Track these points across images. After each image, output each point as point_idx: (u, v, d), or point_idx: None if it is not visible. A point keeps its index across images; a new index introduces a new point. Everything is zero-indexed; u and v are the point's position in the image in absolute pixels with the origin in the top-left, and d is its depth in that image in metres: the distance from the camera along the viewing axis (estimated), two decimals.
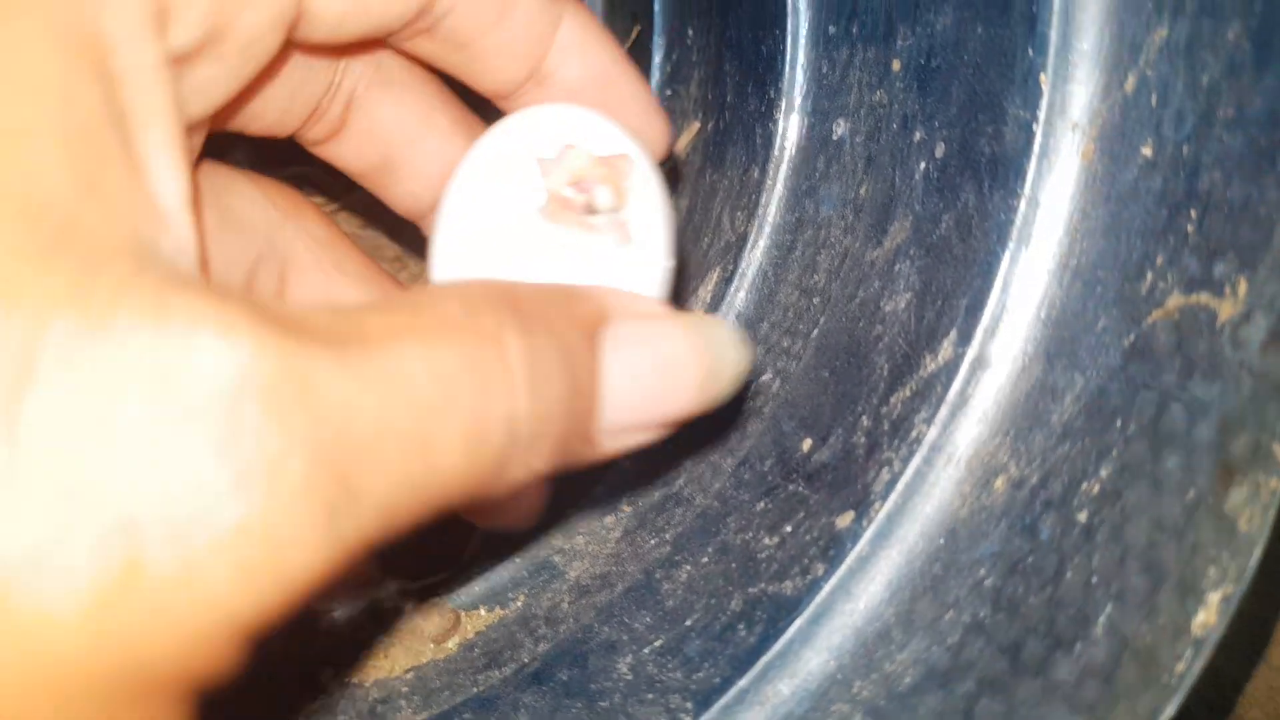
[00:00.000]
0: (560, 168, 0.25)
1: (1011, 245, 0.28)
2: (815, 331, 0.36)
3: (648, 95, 0.28)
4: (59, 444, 0.15)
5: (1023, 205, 0.28)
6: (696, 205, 0.46)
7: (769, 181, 0.40)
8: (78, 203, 0.16)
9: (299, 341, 0.17)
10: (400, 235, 0.52)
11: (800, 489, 0.33)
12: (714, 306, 0.42)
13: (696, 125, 0.49)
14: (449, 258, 0.25)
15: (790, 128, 0.39)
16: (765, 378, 0.38)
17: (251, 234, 0.28)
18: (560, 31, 0.26)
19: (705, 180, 0.46)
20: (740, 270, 0.41)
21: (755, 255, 0.40)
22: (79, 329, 0.15)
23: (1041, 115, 0.28)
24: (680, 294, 0.45)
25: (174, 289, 0.16)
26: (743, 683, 0.30)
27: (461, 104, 0.29)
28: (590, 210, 0.25)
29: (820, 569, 0.30)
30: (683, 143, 0.50)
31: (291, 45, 0.23)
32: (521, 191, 0.24)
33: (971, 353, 0.29)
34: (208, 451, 0.15)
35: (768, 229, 0.40)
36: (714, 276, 0.43)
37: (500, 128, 0.25)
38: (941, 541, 0.28)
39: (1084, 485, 0.26)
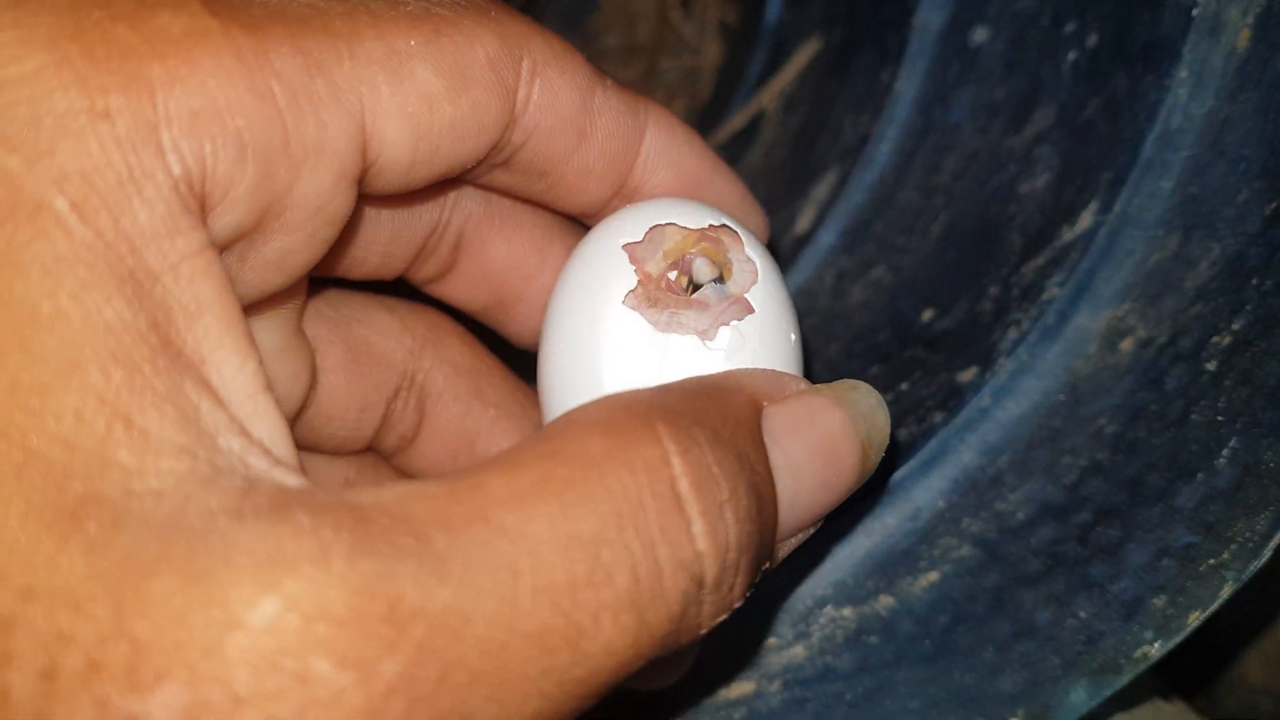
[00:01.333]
0: (651, 248, 0.23)
1: (1160, 124, 0.30)
2: (935, 226, 0.38)
3: (743, 190, 0.27)
4: None
5: (1175, 87, 0.30)
6: (814, 112, 0.48)
7: (898, 86, 0.42)
8: (109, 448, 0.15)
9: (381, 558, 0.15)
10: None
11: (918, 353, 0.34)
12: (828, 206, 0.43)
13: (815, 45, 0.51)
14: (556, 377, 0.23)
15: (925, 36, 0.41)
16: (876, 272, 0.40)
17: (387, 367, 0.26)
18: (645, 143, 0.24)
19: (825, 88, 0.47)
20: (858, 172, 0.43)
21: (876, 158, 0.42)
22: (111, 613, 0.14)
23: (1201, 1, 0.30)
24: (791, 197, 0.47)
25: (215, 527, 0.15)
26: (850, 515, 0.31)
27: (576, 231, 0.27)
28: (692, 287, 0.23)
29: (938, 417, 0.32)
30: (800, 62, 0.52)
31: (364, 200, 0.22)
32: (617, 284, 0.23)
33: (1110, 222, 0.30)
34: None
35: (891, 133, 0.42)
36: (829, 178, 0.44)
37: (591, 233, 0.24)
38: (1063, 398, 0.30)
39: (1214, 339, 0.28)
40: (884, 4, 0.43)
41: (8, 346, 0.15)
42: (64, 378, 0.15)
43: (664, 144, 0.25)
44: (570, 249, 0.27)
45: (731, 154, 0.56)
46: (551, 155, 0.23)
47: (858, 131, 0.43)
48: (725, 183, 0.26)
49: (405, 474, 0.29)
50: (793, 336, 0.23)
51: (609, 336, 0.22)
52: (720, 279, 0.23)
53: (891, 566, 0.30)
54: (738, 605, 0.19)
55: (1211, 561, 0.25)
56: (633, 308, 0.22)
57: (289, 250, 0.19)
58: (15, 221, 0.15)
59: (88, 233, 0.15)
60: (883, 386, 0.35)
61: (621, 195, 0.25)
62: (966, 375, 0.32)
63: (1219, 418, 0.26)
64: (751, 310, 0.23)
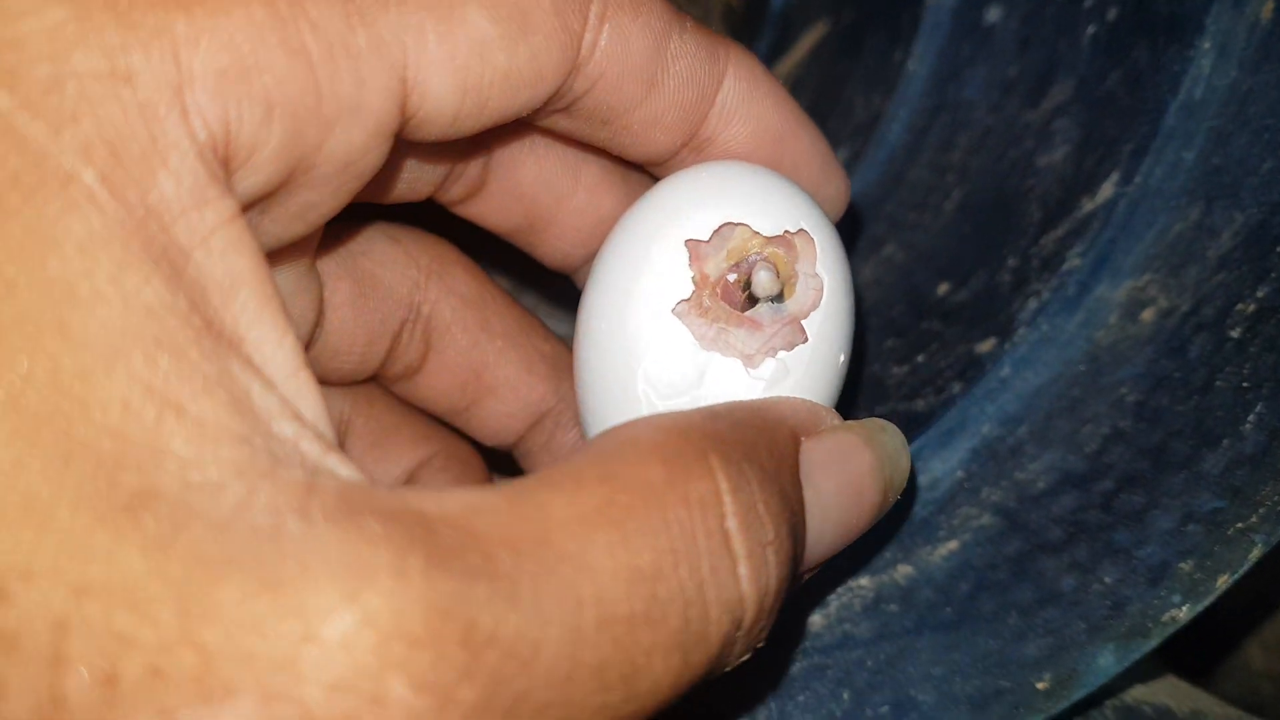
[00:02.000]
0: (715, 247, 0.22)
1: (1182, 95, 0.30)
2: (948, 204, 0.38)
3: (826, 150, 0.25)
4: None
5: (1197, 58, 0.30)
6: (822, 93, 0.48)
7: (910, 65, 0.42)
8: (161, 437, 0.14)
9: (457, 577, 0.14)
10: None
11: (935, 326, 0.34)
12: None
13: (822, 29, 0.51)
14: (594, 366, 0.22)
15: (939, 15, 0.41)
16: (887, 250, 0.40)
17: (393, 300, 0.26)
18: (721, 92, 0.23)
19: (835, 69, 0.47)
20: (869, 151, 0.42)
21: (887, 137, 0.42)
22: (175, 616, 0.13)
23: None
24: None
25: (284, 526, 0.14)
26: None
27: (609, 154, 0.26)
28: (749, 300, 0.22)
29: (956, 387, 0.31)
30: (805, 47, 0.52)
31: (402, 148, 0.20)
32: (671, 282, 0.22)
33: (1131, 193, 0.30)
34: None
35: (903, 112, 0.42)
36: (839, 156, 0.44)
37: (649, 200, 0.23)
38: (1083, 368, 0.30)
39: (1238, 306, 0.27)
40: None
41: (45, 329, 0.14)
42: (108, 364, 0.14)
43: (743, 94, 0.23)
44: (604, 168, 0.26)
45: None
46: (617, 104, 0.21)
47: (869, 111, 0.43)
48: (808, 140, 0.24)
49: (408, 401, 0.28)
50: (842, 358, 0.23)
51: (654, 339, 0.22)
52: (780, 296, 0.22)
53: (909, 536, 0.30)
54: (760, 646, 0.19)
55: (1239, 525, 0.25)
56: (681, 317, 0.22)
57: (312, 204, 0.19)
58: (45, 195, 0.14)
59: (119, 208, 0.15)
60: (899, 359, 0.35)
61: (692, 146, 0.23)
62: (985, 346, 0.32)
63: (1244, 384, 0.26)
64: (804, 338, 0.22)
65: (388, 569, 0.14)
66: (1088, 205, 0.31)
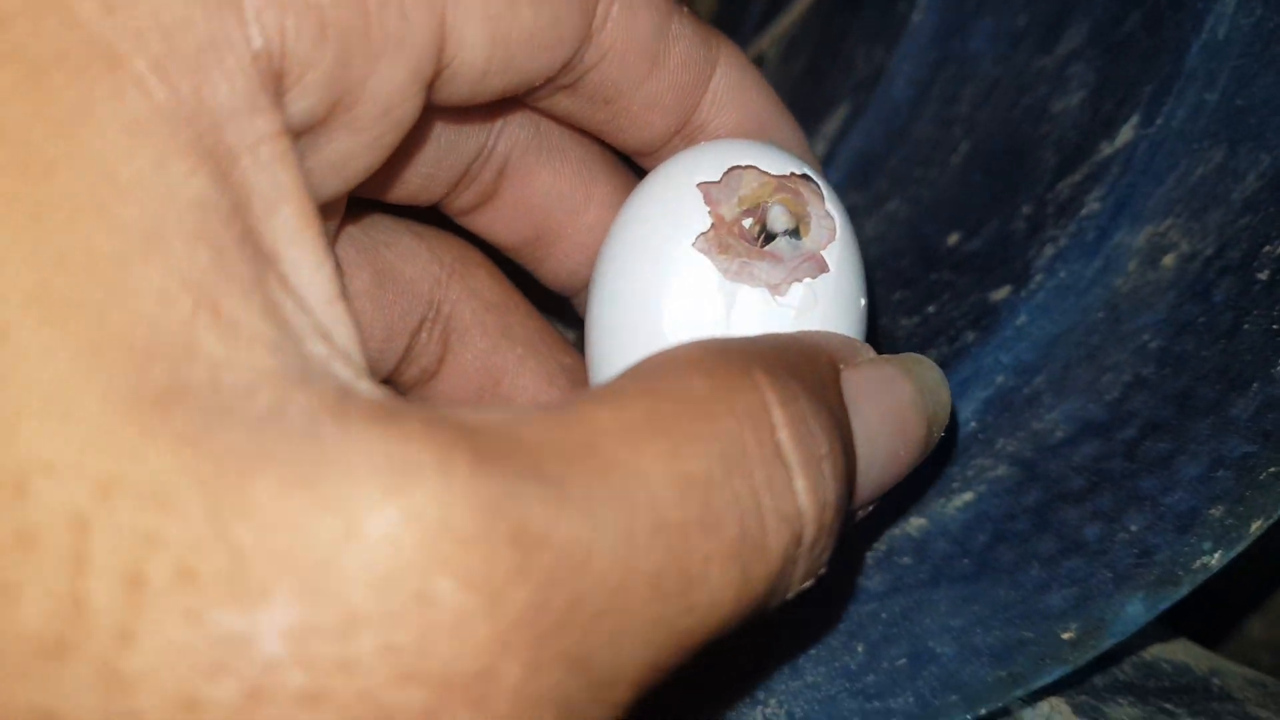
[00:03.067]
0: (727, 190, 0.22)
1: (1204, 35, 0.29)
2: (955, 157, 0.37)
3: (804, 140, 0.26)
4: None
5: None
6: (821, 49, 0.47)
7: (915, 17, 0.41)
8: (195, 334, 0.13)
9: (505, 477, 0.13)
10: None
11: (945, 275, 0.33)
12: (838, 140, 0.42)
13: None
14: (612, 315, 0.22)
15: None
16: (891, 205, 0.39)
17: (414, 295, 0.25)
18: (714, 79, 0.23)
19: (835, 23, 0.46)
20: (871, 106, 0.41)
21: (890, 91, 0.41)
22: (206, 514, 0.12)
23: None
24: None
25: (321, 429, 0.13)
26: None
27: (623, 170, 0.26)
28: (765, 237, 0.22)
29: (970, 336, 0.30)
30: (802, 5, 0.51)
31: (430, 109, 0.20)
32: (687, 224, 0.21)
33: (1152, 135, 0.29)
34: (387, 674, 0.12)
35: (906, 66, 0.41)
36: (840, 112, 0.43)
37: (662, 167, 0.23)
38: (1101, 315, 0.29)
39: (1266, 248, 0.27)
40: None
41: (83, 211, 0.13)
42: (145, 251, 0.13)
43: (733, 82, 0.23)
44: (616, 187, 0.26)
45: None
46: (621, 81, 0.22)
47: (871, 65, 0.42)
48: (789, 129, 0.25)
49: None
50: (862, 301, 0.22)
51: (675, 279, 0.21)
52: (796, 233, 0.22)
53: (920, 489, 0.29)
54: (823, 572, 0.18)
55: (1272, 470, 0.24)
56: (702, 251, 0.21)
57: (351, 153, 0.18)
58: (92, 74, 0.14)
59: (170, 97, 0.14)
60: (909, 310, 0.34)
61: (683, 134, 0.24)
62: (1000, 294, 0.31)
63: (1274, 326, 0.25)
64: (826, 269, 0.21)
65: (433, 465, 0.13)
66: (1106, 149, 0.30)
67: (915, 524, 0.28)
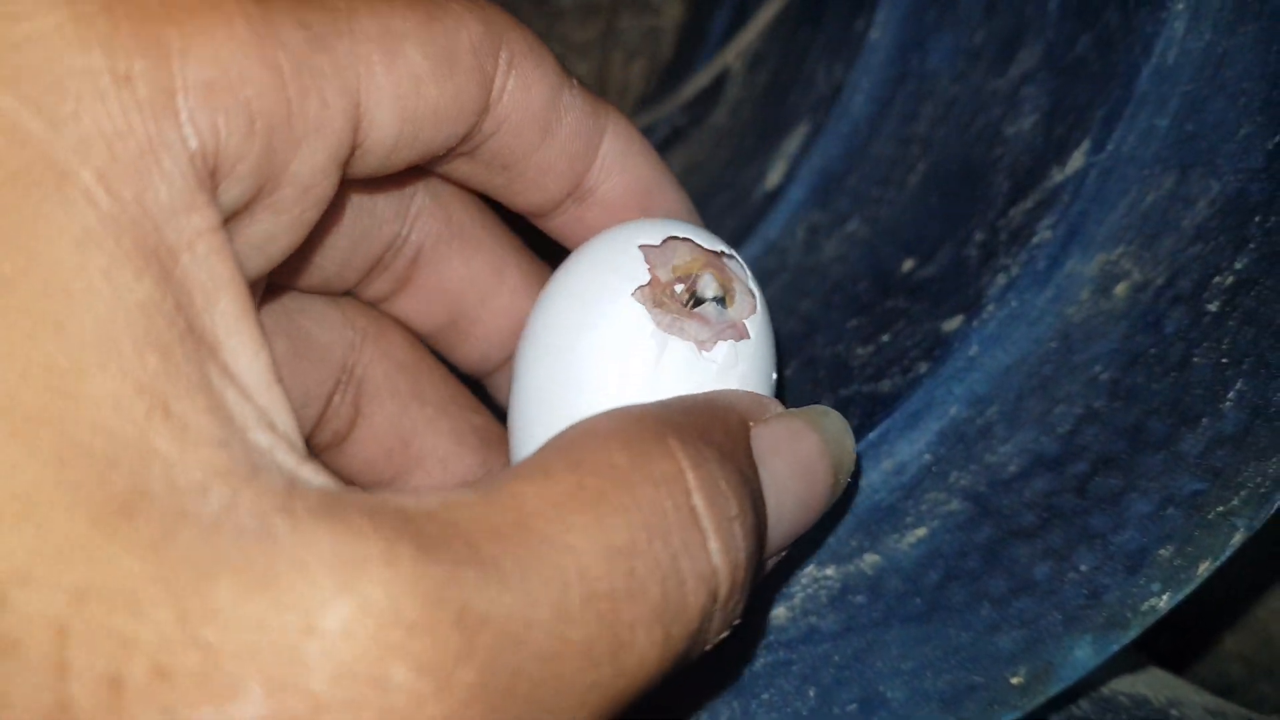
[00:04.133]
0: (665, 256, 0.23)
1: (1155, 59, 0.29)
2: (913, 176, 0.37)
3: (689, 202, 0.27)
4: None
5: (1170, 20, 0.29)
6: (784, 65, 0.46)
7: (873, 35, 0.40)
8: (149, 438, 0.14)
9: (446, 564, 0.14)
10: None
11: (900, 303, 0.33)
12: (799, 159, 0.42)
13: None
14: (545, 374, 0.23)
15: None
16: (851, 225, 0.38)
17: (329, 361, 0.26)
18: (603, 145, 0.25)
19: (797, 39, 0.46)
20: (831, 124, 0.41)
21: (850, 109, 0.40)
22: (175, 617, 0.13)
23: None
24: (761, 152, 0.45)
25: (273, 528, 0.14)
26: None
27: (534, 257, 0.27)
28: (694, 303, 0.23)
29: (923, 367, 0.30)
30: (766, 17, 0.50)
31: (343, 184, 0.22)
32: (626, 280, 0.22)
33: (1103, 162, 0.29)
34: None
35: (865, 83, 0.40)
36: (800, 131, 0.43)
37: (604, 233, 0.24)
38: (1054, 345, 0.28)
39: (1216, 279, 0.26)
40: None
41: (41, 325, 0.14)
42: (100, 361, 0.14)
43: (621, 148, 0.25)
44: (527, 274, 0.27)
45: (695, 114, 0.54)
46: (517, 148, 0.23)
47: (831, 82, 0.42)
48: (674, 192, 0.26)
49: (337, 473, 0.27)
50: (774, 375, 0.24)
51: (610, 327, 0.22)
52: (722, 301, 0.23)
53: (876, 524, 0.28)
54: (737, 623, 0.19)
55: (1220, 509, 0.23)
56: (640, 301, 0.22)
57: (273, 234, 0.19)
58: (43, 190, 0.14)
59: (114, 205, 0.15)
60: (863, 338, 0.33)
61: (575, 196, 0.25)
62: (952, 324, 0.30)
63: (1223, 360, 0.25)
64: (747, 336, 0.23)
65: (379, 559, 0.14)
66: (1058, 175, 0.30)
67: (870, 560, 0.28)
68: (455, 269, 0.26)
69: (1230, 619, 0.43)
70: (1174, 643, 0.42)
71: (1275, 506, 0.23)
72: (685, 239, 0.23)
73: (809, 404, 0.32)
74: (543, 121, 0.23)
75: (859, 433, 0.30)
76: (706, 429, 0.19)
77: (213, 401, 0.15)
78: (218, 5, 0.17)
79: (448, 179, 0.25)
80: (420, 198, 0.25)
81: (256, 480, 0.14)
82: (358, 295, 0.26)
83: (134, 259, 0.15)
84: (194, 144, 0.16)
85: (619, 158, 0.25)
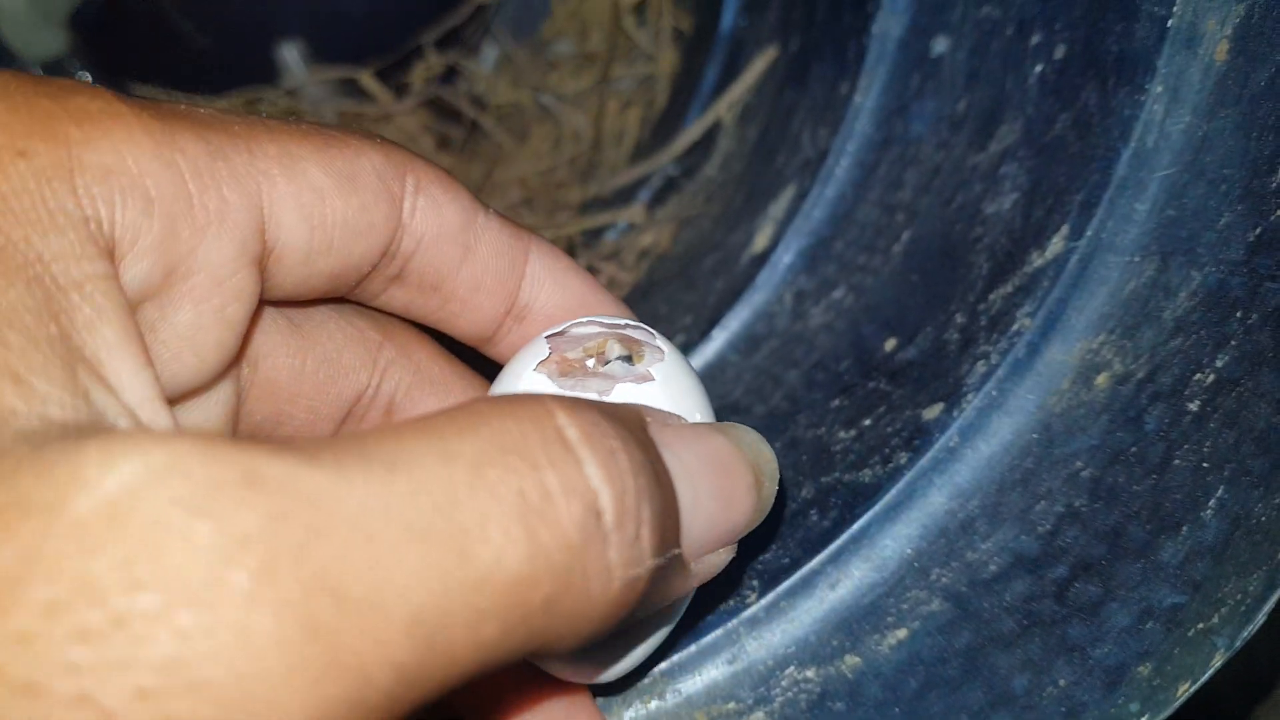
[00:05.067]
0: (572, 341, 0.24)
1: (1134, 142, 0.28)
2: (897, 246, 0.36)
3: (627, 310, 0.27)
4: None
5: (1149, 102, 0.28)
6: (771, 124, 0.46)
7: (857, 98, 0.40)
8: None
9: (244, 448, 0.14)
10: None
11: (882, 386, 0.32)
12: (786, 223, 0.41)
13: (773, 53, 0.49)
14: None
15: (885, 45, 0.39)
16: (838, 294, 0.38)
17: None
18: (530, 262, 0.25)
19: (783, 99, 0.45)
20: (817, 188, 0.40)
21: (835, 173, 0.40)
22: None
23: (1177, 11, 0.28)
24: (749, 213, 0.44)
25: (78, 434, 0.14)
26: (813, 564, 0.29)
27: None
28: (602, 362, 0.24)
29: (903, 457, 0.29)
30: (757, 70, 0.50)
31: (275, 302, 0.22)
32: (529, 366, 0.23)
33: (1083, 248, 0.28)
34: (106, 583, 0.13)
35: (850, 147, 0.40)
36: (787, 194, 0.42)
37: (510, 361, 0.25)
38: (1035, 436, 0.28)
39: (1196, 376, 0.26)
40: (842, 11, 0.41)
41: None
42: None
43: (548, 265, 0.25)
44: None
45: (687, 166, 0.54)
46: (442, 266, 0.24)
47: (816, 145, 0.41)
48: (610, 303, 0.26)
49: None
50: (698, 416, 0.23)
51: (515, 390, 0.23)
52: (629, 360, 0.24)
53: (857, 622, 0.28)
54: (651, 565, 0.17)
55: (1200, 626, 0.23)
56: (544, 373, 0.23)
57: (198, 325, 0.20)
58: None
59: (2, 238, 0.16)
60: (845, 421, 0.33)
61: (513, 315, 0.25)
62: (932, 412, 0.30)
63: (1204, 464, 0.24)
64: (651, 379, 0.23)
65: (164, 437, 0.14)
66: (1037, 260, 0.29)
67: (850, 662, 0.27)
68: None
69: (1262, 694, 0.41)
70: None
71: (1257, 625, 0.22)
72: (590, 320, 0.24)
73: (793, 490, 0.32)
74: (461, 240, 0.23)
75: (841, 525, 0.29)
76: (590, 405, 0.18)
77: (72, 382, 0.15)
78: (118, 116, 0.18)
79: (388, 311, 0.25)
80: (388, 350, 0.26)
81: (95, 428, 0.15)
82: None
83: (10, 272, 0.16)
84: (89, 210, 0.17)
85: (548, 272, 0.25)
